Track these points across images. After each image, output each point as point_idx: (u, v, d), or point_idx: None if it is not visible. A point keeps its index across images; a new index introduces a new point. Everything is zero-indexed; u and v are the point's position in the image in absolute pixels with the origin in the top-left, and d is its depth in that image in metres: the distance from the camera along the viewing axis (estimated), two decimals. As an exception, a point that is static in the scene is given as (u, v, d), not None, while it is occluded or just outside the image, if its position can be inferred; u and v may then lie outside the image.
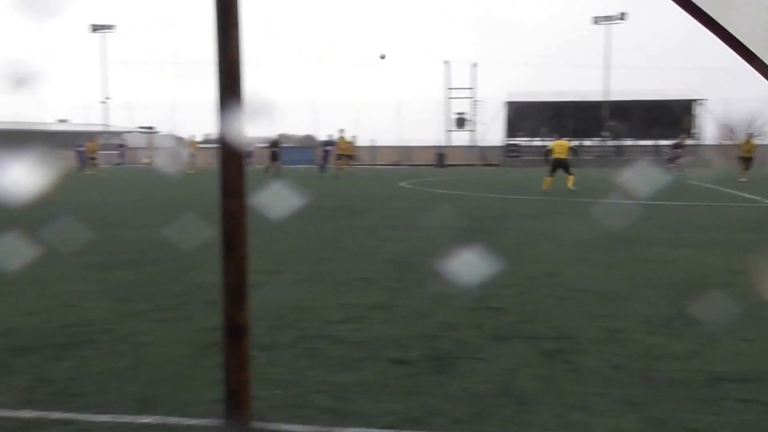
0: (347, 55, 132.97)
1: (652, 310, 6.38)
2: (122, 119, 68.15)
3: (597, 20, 63.95)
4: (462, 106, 65.19)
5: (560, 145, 22.87)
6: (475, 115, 65.28)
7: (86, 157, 41.22)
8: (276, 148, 34.17)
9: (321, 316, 6.21)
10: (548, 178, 22.56)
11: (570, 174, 22.30)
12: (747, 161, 32.89)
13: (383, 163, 59.05)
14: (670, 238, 11.28)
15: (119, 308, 6.48)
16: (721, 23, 1.91)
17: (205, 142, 57.17)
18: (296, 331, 5.69)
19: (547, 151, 23.65)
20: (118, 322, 6.00)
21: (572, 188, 21.90)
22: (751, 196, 20.27)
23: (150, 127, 66.27)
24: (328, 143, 37.15)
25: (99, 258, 9.20)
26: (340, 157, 35.31)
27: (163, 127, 65.81)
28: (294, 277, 8.05)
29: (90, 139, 43.78)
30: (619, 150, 63.92)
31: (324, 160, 36.89)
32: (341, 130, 35.62)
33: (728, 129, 65.05)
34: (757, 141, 35.17)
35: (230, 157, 2.43)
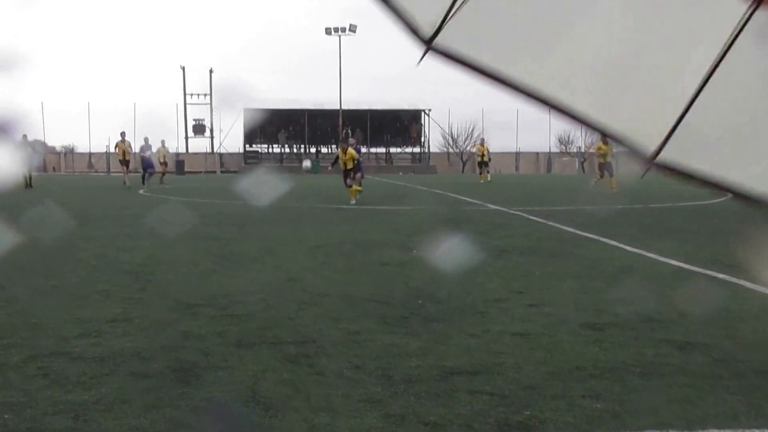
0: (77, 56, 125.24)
1: (389, 311, 6.73)
2: None
3: (329, 31, 65.96)
4: (200, 113, 64.16)
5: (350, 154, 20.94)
6: (210, 121, 64.52)
7: None
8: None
9: (55, 332, 5.83)
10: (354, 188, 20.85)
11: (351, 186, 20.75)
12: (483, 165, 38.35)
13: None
14: (403, 242, 11.92)
15: None
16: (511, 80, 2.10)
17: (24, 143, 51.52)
18: (28, 350, 5.30)
19: (334, 160, 22.34)
20: None
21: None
22: (475, 201, 21.99)
23: None
24: None
25: None
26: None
27: None
28: (23, 292, 7.47)
29: None
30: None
31: None
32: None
33: (450, 137, 70.29)
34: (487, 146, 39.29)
35: None
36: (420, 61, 2.05)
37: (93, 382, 4.65)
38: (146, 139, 32.41)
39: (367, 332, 5.98)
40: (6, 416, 4.03)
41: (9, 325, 6.03)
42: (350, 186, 20.71)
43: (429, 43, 2.04)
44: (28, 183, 27.90)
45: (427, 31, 2.03)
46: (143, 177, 31.34)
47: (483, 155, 38.71)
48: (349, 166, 20.60)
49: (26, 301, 7.07)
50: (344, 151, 20.87)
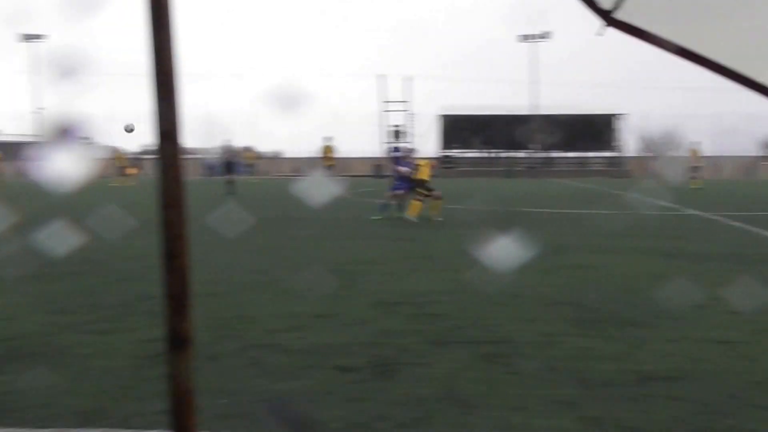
0: (283, 69, 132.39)
1: (583, 314, 6.61)
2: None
3: (523, 38, 65.57)
4: (397, 119, 65.65)
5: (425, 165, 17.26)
6: (411, 127, 65.92)
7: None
8: (230, 159, 30.55)
9: (265, 325, 6.25)
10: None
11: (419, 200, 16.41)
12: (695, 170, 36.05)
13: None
14: (600, 245, 11.62)
15: (58, 321, 6.39)
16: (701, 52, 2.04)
17: (144, 153, 56.33)
18: (240, 341, 5.72)
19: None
20: (57, 334, 5.93)
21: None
22: (672, 205, 20.98)
23: (86, 138, 64.79)
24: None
25: (35, 270, 9.02)
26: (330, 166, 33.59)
27: (100, 138, 64.56)
28: (237, 287, 8.05)
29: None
30: (547, 161, 65.65)
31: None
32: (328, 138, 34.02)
33: (647, 142, 67.43)
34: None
35: (169, 167, 2.46)
36: (600, 33, 2.02)
37: (299, 373, 4.94)
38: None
39: (562, 334, 5.91)
40: (222, 401, 4.37)
41: (223, 317, 6.52)
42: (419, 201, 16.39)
43: (609, 16, 2.02)
44: (233, 188, 28.07)
45: (608, 3, 2.00)
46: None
47: (696, 160, 36.99)
48: (423, 176, 16.56)
49: (239, 295, 7.61)
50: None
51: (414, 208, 16.07)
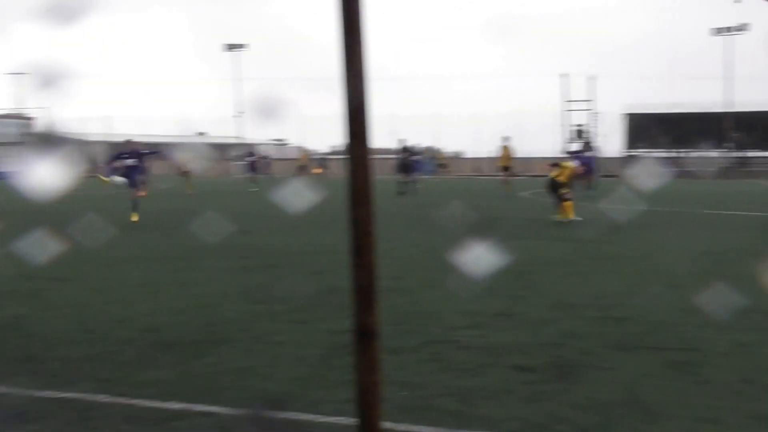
0: (465, 68, 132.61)
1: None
2: (255, 132, 70.45)
3: (717, 31, 61.81)
4: (580, 119, 64.05)
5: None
6: (594, 127, 64.09)
7: (257, 166, 39.30)
8: (409, 157, 28.95)
9: (446, 321, 6.36)
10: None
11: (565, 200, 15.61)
12: None
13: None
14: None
15: (255, 309, 6.84)
16: None
17: (332, 153, 58.59)
18: (422, 336, 5.86)
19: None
20: (253, 322, 6.35)
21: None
22: None
23: (281, 140, 68.23)
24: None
25: (234, 262, 9.68)
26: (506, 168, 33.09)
27: (293, 140, 67.76)
28: (418, 284, 8.22)
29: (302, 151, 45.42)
30: (742, 161, 61.54)
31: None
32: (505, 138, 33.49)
33: None
34: None
35: (358, 167, 2.59)
36: None
37: (478, 370, 5.00)
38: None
39: (757, 344, 5.58)
40: (403, 393, 4.51)
41: (407, 312, 6.69)
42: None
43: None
44: (407, 188, 26.93)
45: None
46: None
47: None
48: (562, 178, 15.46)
49: (421, 291, 7.77)
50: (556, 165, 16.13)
51: (566, 209, 15.53)
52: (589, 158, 28.82)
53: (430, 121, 63.42)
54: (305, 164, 41.90)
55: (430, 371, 4.97)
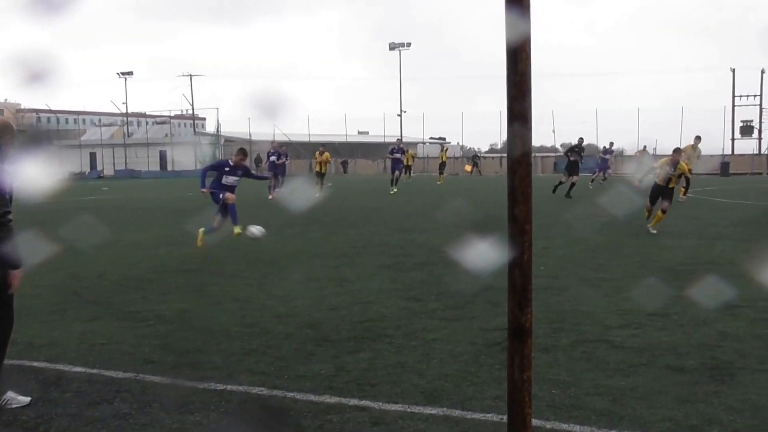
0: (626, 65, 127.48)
1: None
2: (416, 131, 71.09)
3: None
4: (748, 114, 60.22)
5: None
6: (762, 122, 60.11)
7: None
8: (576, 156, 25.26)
9: (600, 320, 6.34)
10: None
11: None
12: None
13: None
14: None
15: (410, 306, 7.08)
16: None
17: (491, 151, 58.48)
18: (575, 335, 5.90)
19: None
20: (408, 318, 6.59)
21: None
22: None
23: (441, 138, 68.70)
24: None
25: (392, 260, 10.00)
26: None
27: (452, 138, 68.03)
28: (574, 282, 8.20)
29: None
30: None
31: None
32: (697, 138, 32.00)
33: None
34: None
35: (518, 166, 2.67)
36: None
37: (631, 370, 4.99)
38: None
39: None
40: (553, 392, 4.59)
41: (560, 311, 6.73)
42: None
43: None
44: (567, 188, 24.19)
45: None
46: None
47: None
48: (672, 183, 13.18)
49: (576, 290, 7.75)
50: (673, 164, 13.14)
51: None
52: None
53: (588, 118, 61.59)
54: (444, 162, 41.35)
55: (581, 370, 5.01)
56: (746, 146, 61.46)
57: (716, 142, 58.55)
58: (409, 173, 35.53)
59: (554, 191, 22.10)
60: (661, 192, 13.03)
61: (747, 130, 58.72)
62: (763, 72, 60.17)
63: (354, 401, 4.50)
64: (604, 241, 11.82)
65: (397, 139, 34.27)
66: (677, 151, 13.30)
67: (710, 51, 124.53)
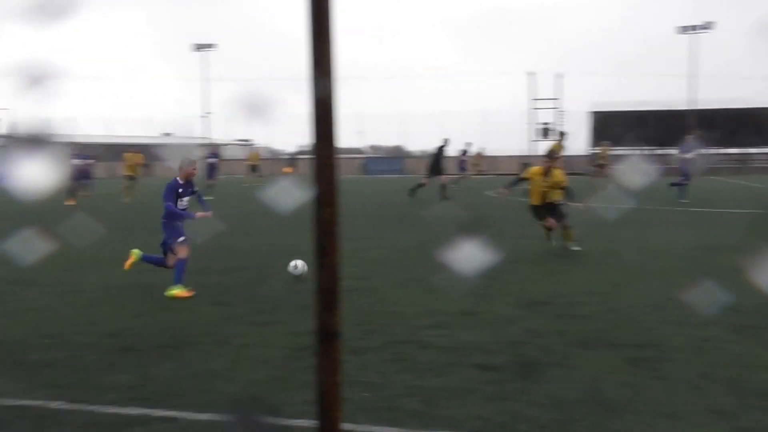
0: (431, 67, 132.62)
1: (740, 319, 6.29)
2: (221, 133, 69.41)
3: (682, 30, 62.92)
4: (546, 117, 64.64)
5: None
6: (560, 125, 64.80)
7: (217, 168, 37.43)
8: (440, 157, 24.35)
9: (409, 321, 6.36)
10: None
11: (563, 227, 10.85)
12: None
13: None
14: (755, 247, 10.97)
15: (217, 312, 6.79)
16: None
17: (300, 153, 58.36)
18: (385, 336, 5.86)
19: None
20: (216, 325, 6.30)
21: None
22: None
23: (247, 140, 67.63)
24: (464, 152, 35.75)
25: (198, 264, 9.58)
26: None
27: (259, 140, 67.16)
28: (383, 284, 8.22)
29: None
30: (705, 158, 62.71)
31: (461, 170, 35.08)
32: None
33: None
34: None
35: (324, 168, 2.57)
36: None
37: (441, 370, 5.01)
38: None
39: (716, 340, 5.66)
40: (365, 394, 4.50)
41: (371, 312, 6.70)
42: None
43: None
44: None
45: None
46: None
47: None
48: (553, 197, 10.74)
49: (386, 291, 7.77)
50: (545, 173, 10.84)
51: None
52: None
53: (395, 120, 63.33)
54: (256, 164, 40.47)
55: (392, 371, 4.97)
56: (546, 148, 65.73)
57: (519, 144, 62.37)
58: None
59: (411, 193, 22.28)
60: (541, 213, 10.35)
61: (545, 132, 62.81)
62: (559, 76, 64.72)
63: (160, 412, 4.24)
64: (413, 242, 12.03)
65: (209, 144, 33.07)
66: (552, 155, 10.79)
67: (511, 55, 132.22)
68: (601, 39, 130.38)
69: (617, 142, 64.68)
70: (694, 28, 62.67)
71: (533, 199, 10.72)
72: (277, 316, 6.60)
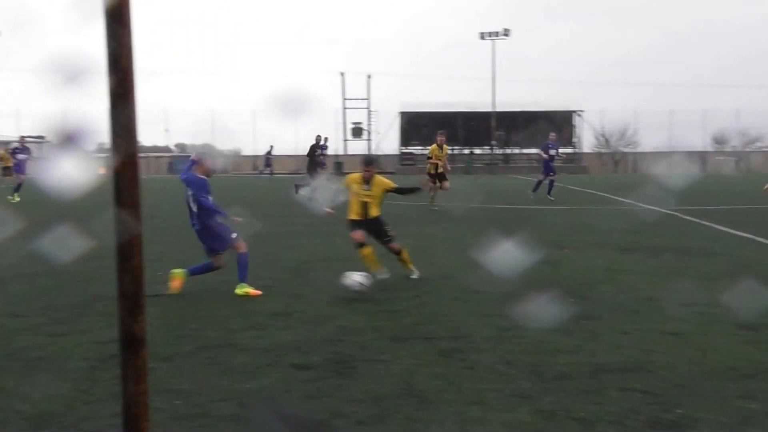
0: (243, 66, 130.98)
1: (541, 308, 6.67)
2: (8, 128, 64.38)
3: (483, 35, 66.39)
4: (358, 117, 65.86)
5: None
6: (370, 125, 66.15)
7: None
8: (319, 154, 25.14)
9: (223, 324, 6.20)
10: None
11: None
12: None
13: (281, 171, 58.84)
14: (556, 240, 11.74)
15: (9, 323, 6.27)
16: None
17: (99, 150, 55.53)
18: (197, 341, 5.68)
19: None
20: (8, 337, 5.82)
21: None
22: (627, 200, 21.28)
23: (40, 137, 63.20)
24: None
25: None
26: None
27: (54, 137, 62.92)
28: (195, 286, 7.97)
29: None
30: (507, 158, 66.59)
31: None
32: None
33: (603, 138, 68.82)
34: None
35: (123, 168, 2.44)
36: None
37: (257, 372, 4.92)
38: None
39: (519, 329, 5.96)
40: (176, 402, 4.33)
41: (181, 317, 6.47)
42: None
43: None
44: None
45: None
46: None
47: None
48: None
49: (197, 295, 7.54)
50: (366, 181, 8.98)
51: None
52: None
53: (205, 118, 62.06)
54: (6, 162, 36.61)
55: (206, 376, 4.82)
56: (358, 147, 66.76)
57: (332, 143, 62.93)
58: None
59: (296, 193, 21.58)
60: (362, 228, 8.56)
61: (357, 131, 63.91)
62: (369, 77, 66.10)
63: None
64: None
65: (20, 137, 30.35)
66: (369, 163, 8.93)
67: (326, 55, 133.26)
68: (408, 42, 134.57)
69: (425, 142, 67.32)
70: (494, 34, 66.16)
71: (353, 214, 8.66)
72: (78, 325, 6.20)
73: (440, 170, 18.20)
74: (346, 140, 66.38)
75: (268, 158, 34.43)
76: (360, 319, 6.41)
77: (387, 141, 66.68)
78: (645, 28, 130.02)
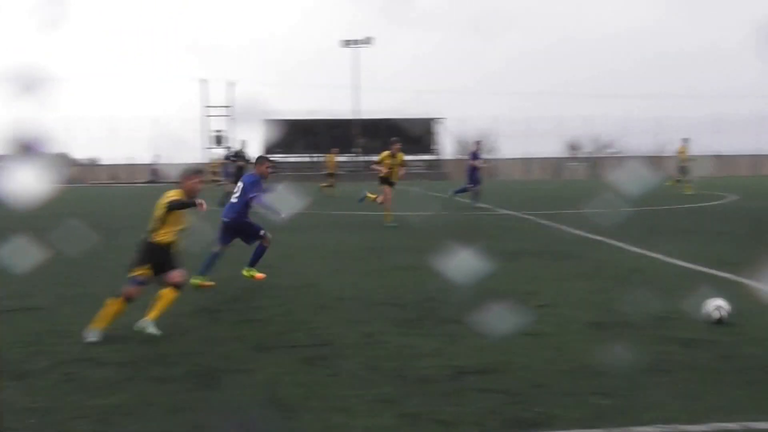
0: (99, 72, 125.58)
1: (402, 314, 6.86)
2: None
3: (346, 43, 67.08)
4: (220, 124, 64.76)
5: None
6: (233, 132, 65.28)
7: None
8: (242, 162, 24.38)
9: (80, 339, 6.01)
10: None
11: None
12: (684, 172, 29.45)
13: (138, 181, 56.93)
14: (414, 246, 12.03)
15: None
16: None
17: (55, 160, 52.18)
18: (54, 356, 5.49)
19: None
20: None
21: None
22: (485, 205, 22.04)
23: None
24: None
25: None
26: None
27: None
28: (49, 300, 7.67)
29: None
30: (369, 165, 67.45)
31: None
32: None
33: (462, 145, 70.99)
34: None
35: None
36: None
37: (116, 386, 4.82)
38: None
39: (382, 334, 6.12)
40: (31, 421, 4.19)
41: (35, 332, 6.22)
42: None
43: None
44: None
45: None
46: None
47: (685, 160, 29.21)
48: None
49: (52, 309, 7.27)
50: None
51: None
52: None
53: (57, 126, 59.26)
54: None
55: (62, 393, 4.68)
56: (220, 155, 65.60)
57: (192, 152, 61.71)
58: None
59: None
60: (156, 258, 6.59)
61: (219, 139, 62.71)
62: (232, 83, 65.16)
63: None
64: (81, 254, 11.35)
65: None
66: (191, 175, 6.72)
67: (188, 63, 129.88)
68: (270, 49, 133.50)
69: (289, 149, 67.20)
70: (356, 42, 66.93)
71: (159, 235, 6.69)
72: None
73: (393, 179, 17.30)
74: (207, 148, 65.12)
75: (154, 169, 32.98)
76: (222, 329, 6.39)
77: (250, 149, 66.02)
78: (505, 42, 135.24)
